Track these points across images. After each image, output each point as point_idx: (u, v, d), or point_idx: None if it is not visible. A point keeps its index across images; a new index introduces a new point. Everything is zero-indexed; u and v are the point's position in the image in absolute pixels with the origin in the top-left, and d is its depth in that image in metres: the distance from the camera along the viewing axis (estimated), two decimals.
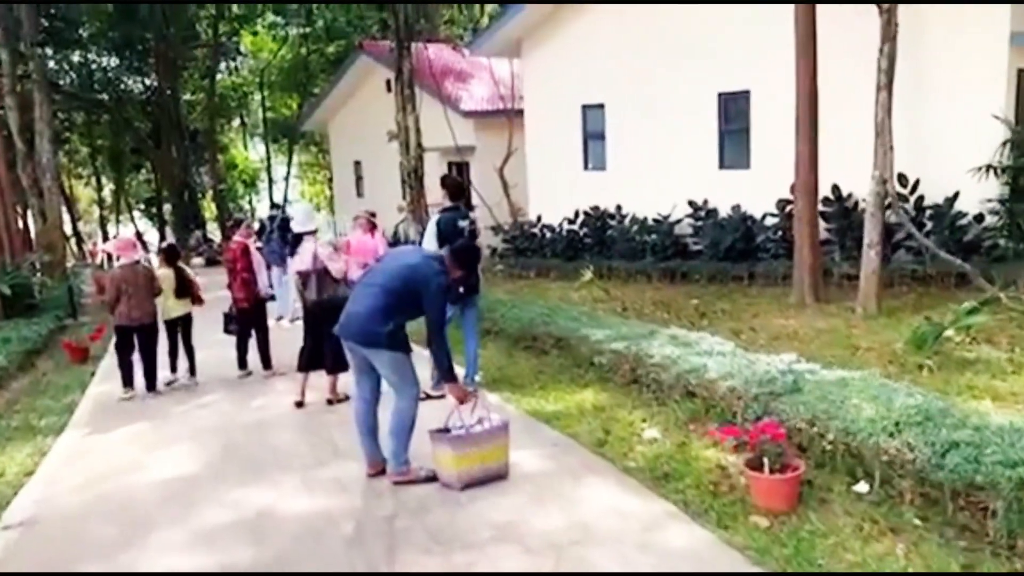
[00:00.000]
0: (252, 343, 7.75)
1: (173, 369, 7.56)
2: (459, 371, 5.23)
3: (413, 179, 13.55)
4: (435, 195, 13.60)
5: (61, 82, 25.33)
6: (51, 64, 23.80)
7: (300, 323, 7.48)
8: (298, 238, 6.56)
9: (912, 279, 9.30)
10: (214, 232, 28.94)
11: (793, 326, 7.86)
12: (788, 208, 10.55)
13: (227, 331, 7.77)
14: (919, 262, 9.31)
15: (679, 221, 12.07)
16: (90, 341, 9.54)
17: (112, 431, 6.15)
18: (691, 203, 12.00)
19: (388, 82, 16.98)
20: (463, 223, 6.13)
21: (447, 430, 4.45)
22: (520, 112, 16.06)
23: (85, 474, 5.14)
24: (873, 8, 8.07)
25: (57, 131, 23.18)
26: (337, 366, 6.25)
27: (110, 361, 7.47)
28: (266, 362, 7.71)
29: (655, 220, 12.30)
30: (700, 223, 11.83)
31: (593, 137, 14.08)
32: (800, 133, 8.90)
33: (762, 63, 10.95)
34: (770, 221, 10.98)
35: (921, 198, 9.51)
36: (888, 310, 8.10)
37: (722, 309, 9.12)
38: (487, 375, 6.81)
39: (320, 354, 6.36)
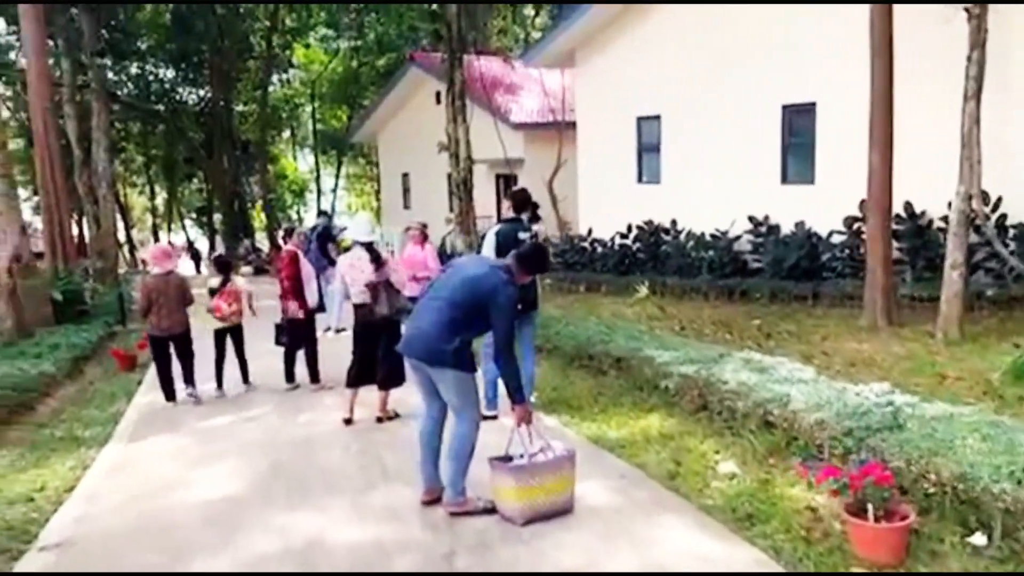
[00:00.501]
0: (300, 355, 7.55)
1: (219, 382, 7.40)
2: None
3: (462, 191, 13.31)
4: (483, 207, 13.47)
5: (119, 92, 25.88)
6: (110, 75, 24.29)
7: (347, 334, 7.25)
8: (377, 255, 6.18)
9: (992, 303, 8.73)
10: (263, 241, 29.25)
11: (868, 351, 7.36)
12: (856, 225, 10.05)
13: (279, 343, 7.57)
14: (1001, 284, 8.73)
15: (738, 237, 11.61)
16: (138, 349, 9.46)
17: (156, 444, 5.97)
18: (751, 219, 11.53)
19: (438, 94, 16.88)
20: (523, 235, 5.85)
21: (508, 458, 4.12)
22: (570, 124, 15.77)
23: (127, 491, 4.92)
24: (952, 13, 7.58)
25: (113, 140, 23.66)
26: (389, 381, 6.00)
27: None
28: (314, 376, 7.50)
29: (713, 236, 11.85)
30: (761, 240, 11.35)
31: (648, 150, 13.70)
32: (873, 143, 8.42)
33: (829, 75, 10.49)
34: (837, 239, 10.46)
35: (1003, 216, 8.93)
36: (971, 335, 7.56)
37: (787, 331, 8.65)
38: (542, 396, 6.47)
39: (370, 368, 6.09)
